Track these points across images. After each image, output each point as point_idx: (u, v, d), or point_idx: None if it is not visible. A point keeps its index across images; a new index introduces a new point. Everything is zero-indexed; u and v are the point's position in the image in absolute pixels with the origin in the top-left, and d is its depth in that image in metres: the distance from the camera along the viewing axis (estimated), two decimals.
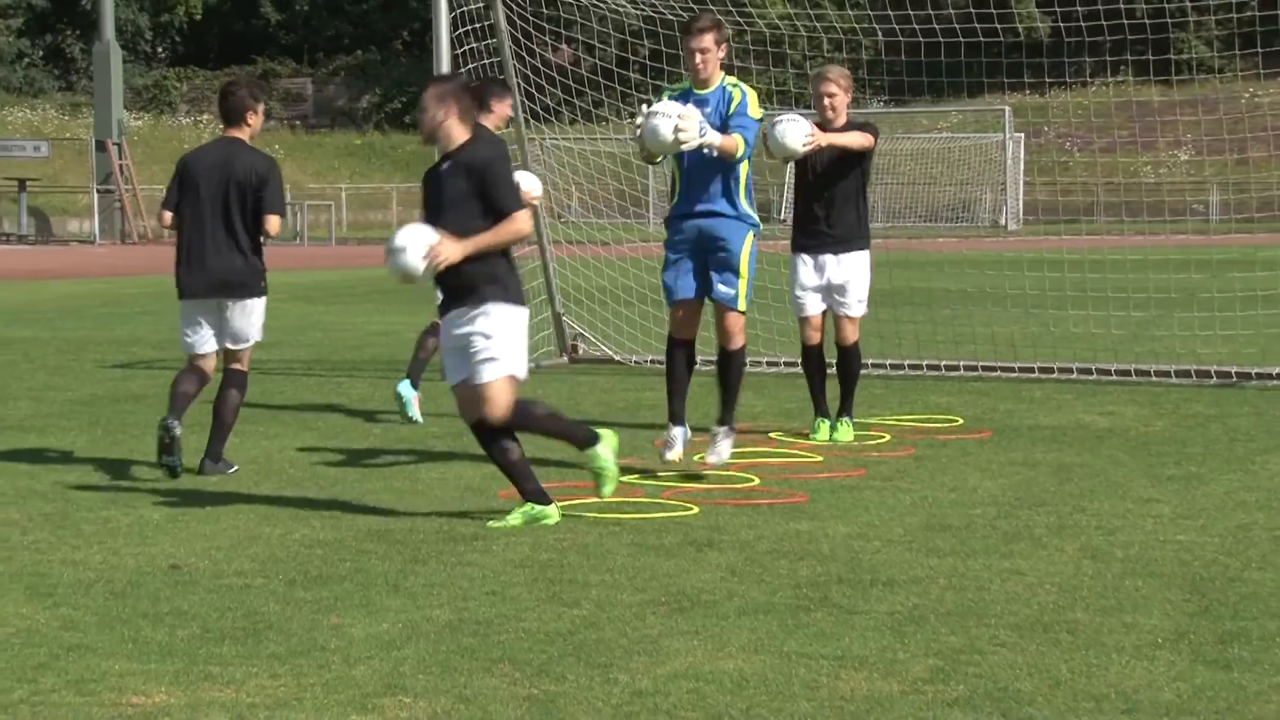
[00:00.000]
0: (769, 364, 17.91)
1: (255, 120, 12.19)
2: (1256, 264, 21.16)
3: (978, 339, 18.76)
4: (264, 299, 12.17)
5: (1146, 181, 55.61)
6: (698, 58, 11.55)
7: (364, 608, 8.04)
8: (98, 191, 59.60)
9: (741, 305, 11.64)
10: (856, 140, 12.85)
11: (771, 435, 13.50)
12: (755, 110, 11.59)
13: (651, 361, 18.04)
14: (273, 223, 12.01)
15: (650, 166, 13.53)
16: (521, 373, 10.22)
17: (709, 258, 11.65)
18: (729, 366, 11.76)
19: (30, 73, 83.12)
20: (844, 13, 32.26)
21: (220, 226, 11.85)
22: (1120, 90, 60.28)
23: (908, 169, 67.56)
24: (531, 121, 18.98)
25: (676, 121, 11.05)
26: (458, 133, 10.04)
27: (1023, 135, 65.25)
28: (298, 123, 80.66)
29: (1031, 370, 17.12)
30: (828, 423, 13.38)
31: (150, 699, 6.61)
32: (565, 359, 18.34)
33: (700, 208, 11.63)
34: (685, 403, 11.86)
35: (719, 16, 12.40)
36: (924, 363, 17.55)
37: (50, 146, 63.35)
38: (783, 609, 7.98)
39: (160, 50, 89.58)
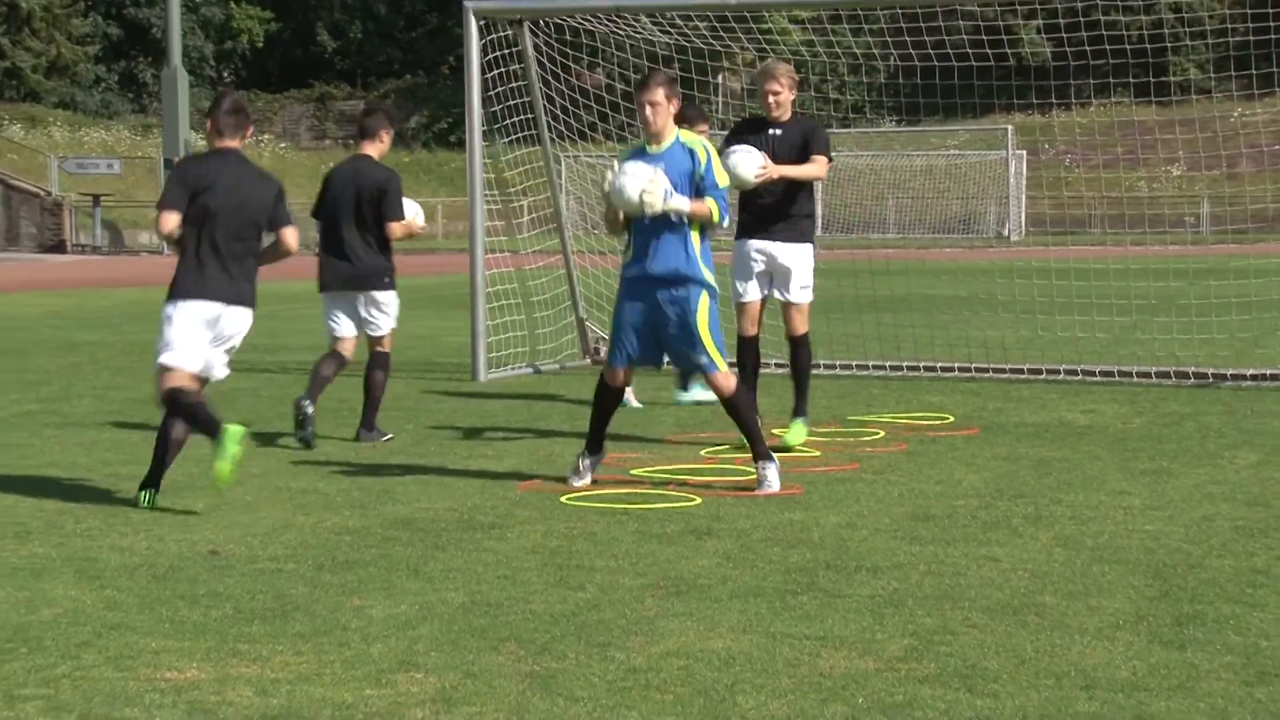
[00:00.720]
0: (777, 365, 17.89)
1: (386, 139, 13.31)
2: (1230, 273, 21.16)
3: (972, 342, 18.79)
4: (393, 291, 13.31)
5: (1141, 195, 55.29)
6: (648, 110, 10.60)
7: (385, 590, 8.07)
8: None
9: (721, 365, 10.69)
10: (809, 172, 12.39)
11: (775, 432, 13.45)
12: (721, 176, 10.72)
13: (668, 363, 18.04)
14: (393, 229, 13.07)
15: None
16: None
17: (663, 329, 10.66)
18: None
19: (106, 96, 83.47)
20: (859, 39, 32.25)
21: (352, 229, 12.93)
22: (1116, 110, 60.19)
23: (918, 184, 67.53)
24: (567, 141, 19.05)
25: (644, 185, 10.33)
26: None
27: (1025, 152, 65.16)
28: (351, 142, 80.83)
29: (1021, 371, 17.08)
30: (800, 422, 12.72)
31: (182, 674, 6.65)
32: (588, 361, 18.35)
33: (654, 269, 10.60)
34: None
35: (672, 74, 12.05)
36: (921, 364, 17.53)
37: (123, 164, 63.56)
38: (772, 593, 8.00)
39: (225, 75, 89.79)
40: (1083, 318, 19.41)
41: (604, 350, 18.73)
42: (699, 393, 14.77)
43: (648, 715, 6.14)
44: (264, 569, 8.55)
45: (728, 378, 10.80)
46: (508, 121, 18.03)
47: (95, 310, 28.96)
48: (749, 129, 12.52)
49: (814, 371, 16.45)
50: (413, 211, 13.38)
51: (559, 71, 18.20)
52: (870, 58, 33.61)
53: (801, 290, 12.47)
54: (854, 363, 17.69)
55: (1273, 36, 19.18)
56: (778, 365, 17.55)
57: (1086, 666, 6.72)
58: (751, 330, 12.56)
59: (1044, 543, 9.12)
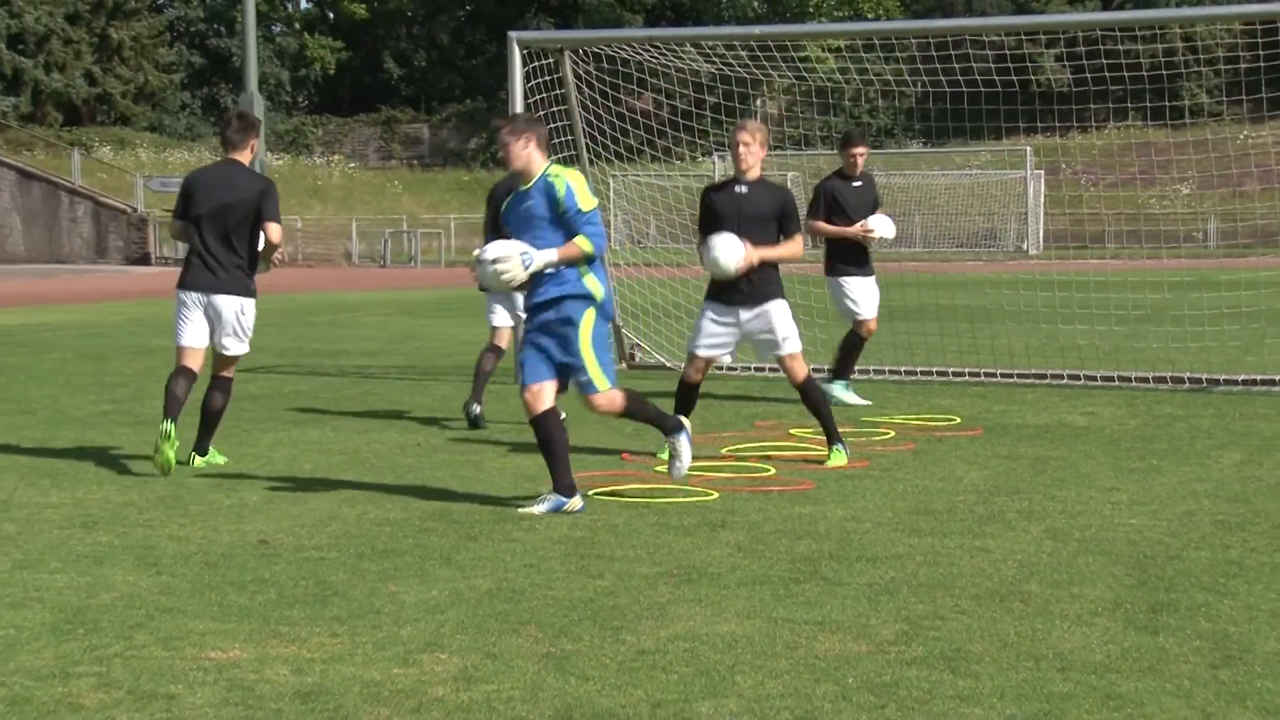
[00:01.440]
0: (743, 368, 17.93)
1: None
2: (1221, 285, 21.10)
3: (981, 349, 18.73)
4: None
5: (1152, 212, 55.10)
6: (509, 151, 9.93)
7: (418, 577, 8.11)
8: None
9: (602, 385, 10.00)
10: (788, 253, 11.79)
11: (792, 432, 13.49)
12: (586, 200, 9.91)
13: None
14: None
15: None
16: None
17: (551, 348, 9.98)
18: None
19: (190, 120, 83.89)
20: (889, 65, 32.25)
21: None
22: (1130, 132, 59.95)
23: (943, 201, 67.36)
24: (615, 161, 19.13)
25: (495, 267, 9.80)
26: None
27: (1043, 172, 65.00)
28: (415, 162, 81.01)
29: (1027, 376, 17.07)
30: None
31: (225, 654, 6.70)
32: (624, 365, 18.39)
33: (541, 295, 9.98)
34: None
35: (534, 116, 11.74)
36: (934, 370, 17.53)
37: None
38: (777, 581, 8.01)
39: (299, 100, 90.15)
40: (1087, 327, 19.40)
41: (639, 355, 18.87)
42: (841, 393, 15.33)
43: (652, 693, 6.16)
44: (308, 557, 8.60)
45: (610, 399, 10.07)
46: (551, 143, 18.06)
47: (171, 318, 29.00)
48: (714, 189, 11.91)
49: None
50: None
51: (597, 97, 18.22)
52: (899, 83, 33.64)
53: (785, 342, 11.70)
54: (871, 368, 17.66)
55: (1279, 64, 19.17)
56: (756, 369, 17.62)
57: (1064, 650, 6.72)
58: (695, 379, 11.91)
59: (1034, 535, 9.11)
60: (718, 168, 61.53)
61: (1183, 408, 14.89)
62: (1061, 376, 16.94)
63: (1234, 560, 8.41)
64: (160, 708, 5.98)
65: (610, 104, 18.60)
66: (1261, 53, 20.24)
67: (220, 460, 11.88)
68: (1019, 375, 17.12)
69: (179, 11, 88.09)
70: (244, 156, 11.81)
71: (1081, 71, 23.11)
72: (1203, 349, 18.46)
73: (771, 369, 17.71)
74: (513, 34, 17.12)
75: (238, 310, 11.76)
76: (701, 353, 11.86)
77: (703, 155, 61.17)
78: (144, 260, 58.76)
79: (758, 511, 9.87)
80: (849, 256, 15.38)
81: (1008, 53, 22.69)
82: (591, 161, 17.95)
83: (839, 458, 11.75)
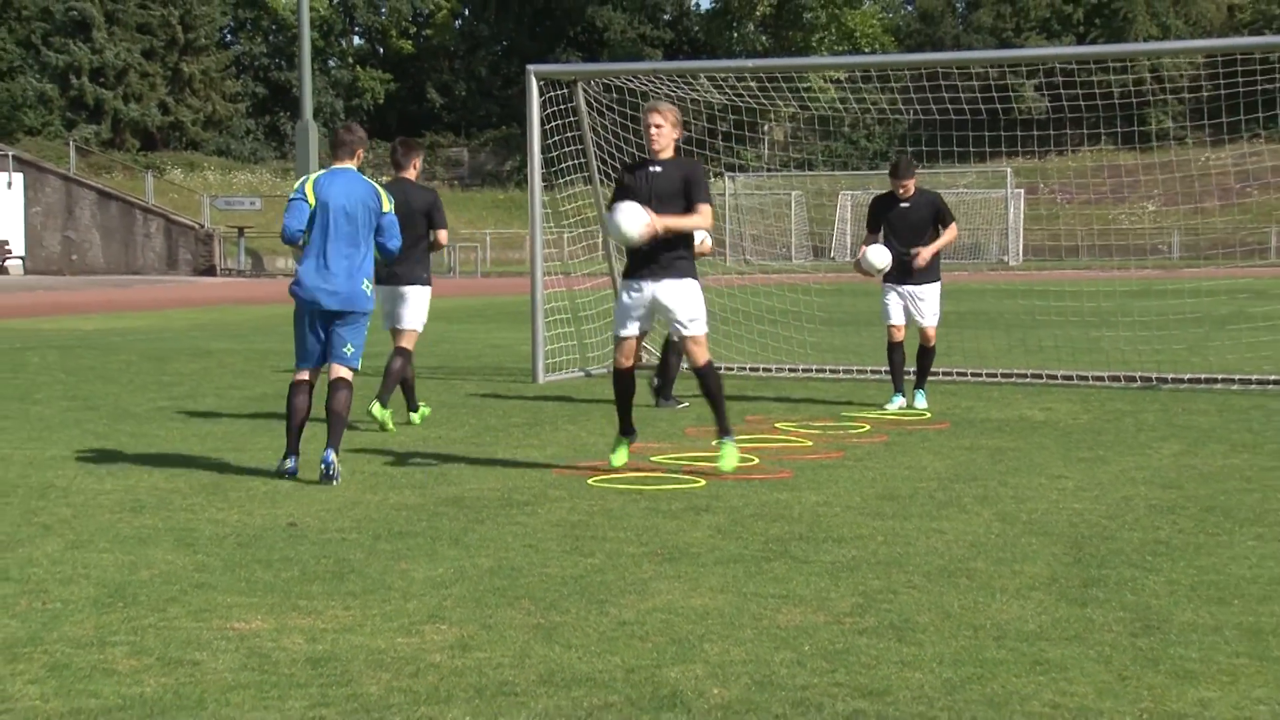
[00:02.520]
0: (777, 369, 17.94)
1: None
2: (1167, 293, 21.09)
3: (954, 351, 18.71)
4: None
5: (1121, 227, 55.09)
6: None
7: (428, 556, 8.14)
8: None
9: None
10: (693, 223, 10.76)
11: (777, 425, 13.50)
12: (386, 204, 10.98)
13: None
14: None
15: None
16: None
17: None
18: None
19: (254, 145, 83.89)
20: (884, 95, 32.20)
21: None
22: (1101, 155, 59.84)
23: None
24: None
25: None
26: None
27: (1023, 191, 64.89)
28: (455, 182, 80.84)
29: (995, 375, 17.05)
30: (625, 443, 11.16)
31: (248, 624, 6.74)
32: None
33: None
34: None
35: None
36: (910, 370, 17.46)
37: (263, 201, 63.97)
38: (750, 559, 8.04)
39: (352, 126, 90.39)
40: (1052, 331, 19.37)
41: (645, 357, 18.86)
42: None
43: (628, 660, 6.19)
44: (331, 538, 8.63)
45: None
46: (565, 165, 18.12)
47: (230, 324, 29.17)
48: (629, 169, 11.23)
49: (819, 376, 16.51)
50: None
51: (624, 121, 18.23)
52: (893, 111, 33.57)
53: (691, 323, 10.75)
54: (855, 368, 17.68)
55: (1240, 91, 19.18)
56: (751, 369, 17.58)
57: (1001, 620, 6.74)
58: (625, 363, 10.96)
59: (986, 518, 9.12)
60: (728, 188, 61.57)
61: (1132, 404, 14.87)
62: (1025, 375, 16.94)
63: (1162, 540, 8.42)
64: (185, 673, 6.03)
65: (631, 130, 18.65)
66: (1222, 82, 20.23)
67: (425, 411, 13.83)
68: (987, 375, 17.11)
69: (244, 47, 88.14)
70: (409, 174, 13.45)
71: (1058, 100, 23.13)
72: (1154, 351, 18.47)
73: (765, 369, 17.75)
74: (530, 67, 17.18)
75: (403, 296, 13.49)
76: (623, 333, 10.88)
77: (714, 176, 61.30)
78: (210, 271, 58.86)
79: (739, 497, 9.89)
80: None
81: (991, 83, 22.73)
82: (602, 181, 17.96)
83: (729, 456, 10.76)
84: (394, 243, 11.12)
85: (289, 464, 10.67)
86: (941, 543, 8.41)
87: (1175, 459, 11.40)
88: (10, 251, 57.96)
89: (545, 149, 17.46)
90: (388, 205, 11.03)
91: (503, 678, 5.95)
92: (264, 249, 62.23)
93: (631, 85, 18.35)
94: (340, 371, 10.89)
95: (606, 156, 18.24)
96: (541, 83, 17.18)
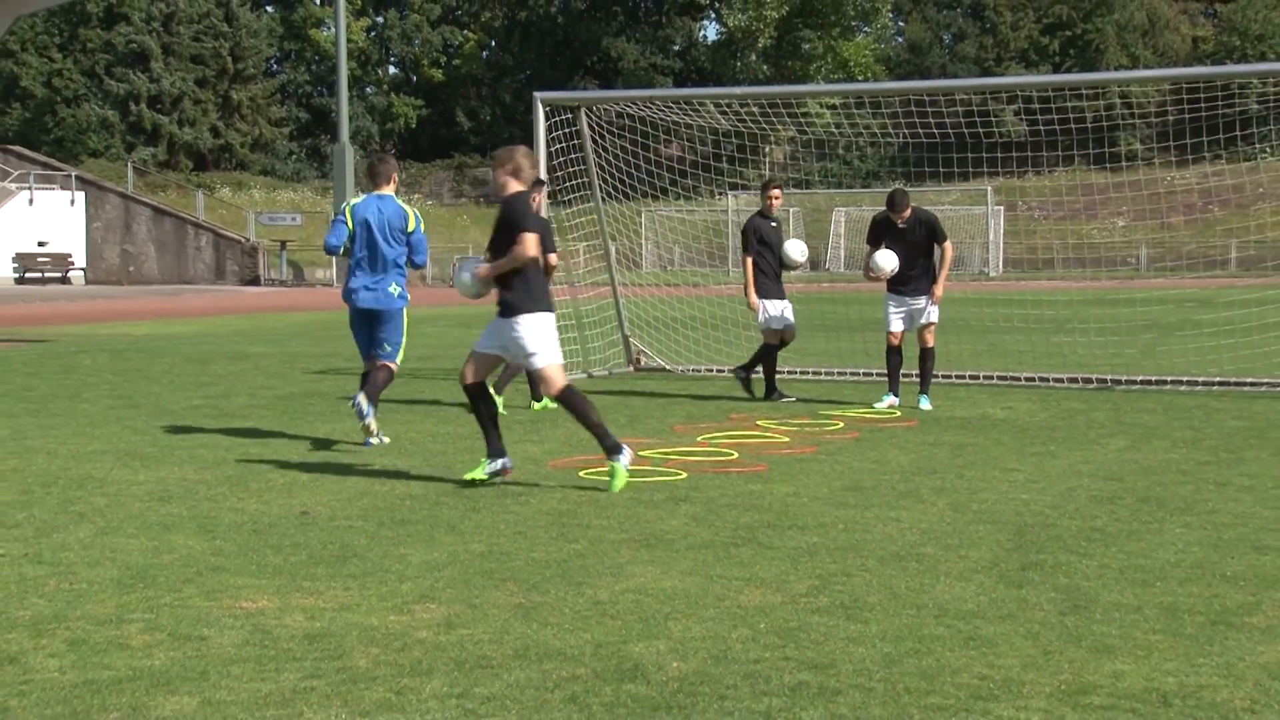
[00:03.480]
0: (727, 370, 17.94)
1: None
2: (1120, 302, 21.09)
3: None
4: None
5: (1093, 241, 54.97)
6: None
7: (426, 542, 8.17)
8: None
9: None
10: (505, 264, 9.91)
11: (759, 423, 13.51)
12: (413, 223, 12.06)
13: (691, 370, 18.10)
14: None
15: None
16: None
17: None
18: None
19: (297, 165, 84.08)
20: (875, 120, 32.20)
21: None
22: (1075, 175, 59.79)
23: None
24: (645, 199, 19.34)
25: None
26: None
27: (1003, 208, 64.85)
28: (481, 199, 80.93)
29: (964, 377, 17.05)
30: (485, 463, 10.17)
31: (255, 604, 6.78)
32: (631, 368, 18.44)
33: None
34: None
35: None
36: (914, 374, 17.40)
37: (303, 217, 64.13)
38: (719, 545, 8.05)
39: (387, 149, 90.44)
40: (1021, 336, 19.36)
41: (644, 360, 18.92)
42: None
43: (598, 635, 6.23)
44: (339, 525, 8.66)
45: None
46: (570, 183, 18.16)
47: (269, 329, 29.21)
48: None
49: (803, 376, 16.51)
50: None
51: (635, 148, 18.30)
52: (884, 134, 33.61)
53: (530, 359, 10.05)
54: (835, 370, 17.68)
55: (1203, 116, 19.21)
56: (728, 370, 17.58)
57: (943, 600, 6.77)
58: (468, 379, 10.13)
59: (940, 507, 9.13)
60: (731, 204, 61.59)
61: (1086, 403, 14.86)
62: (992, 377, 16.93)
63: (1099, 528, 8.43)
64: (192, 648, 6.07)
65: (643, 151, 18.72)
66: (1185, 108, 20.24)
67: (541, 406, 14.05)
68: (956, 376, 17.10)
69: (289, 76, 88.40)
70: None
71: (1036, 124, 23.14)
72: (1111, 355, 18.45)
73: (757, 372, 17.74)
74: (538, 94, 17.24)
75: None
76: (477, 349, 10.18)
77: (719, 194, 61.29)
78: (254, 281, 58.98)
79: (716, 489, 9.90)
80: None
81: (974, 109, 22.75)
82: (604, 199, 18.00)
83: (618, 476, 9.81)
84: (420, 257, 12.14)
85: (358, 398, 11.78)
86: (897, 530, 8.43)
87: (1120, 454, 11.40)
88: (73, 263, 58.13)
89: (552, 169, 17.49)
90: (413, 224, 12.04)
91: (482, 652, 5.99)
92: (304, 261, 62.34)
93: (633, 110, 18.39)
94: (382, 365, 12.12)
95: (609, 175, 18.28)
96: (547, 108, 17.22)
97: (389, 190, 12.03)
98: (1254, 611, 6.52)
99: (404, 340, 12.17)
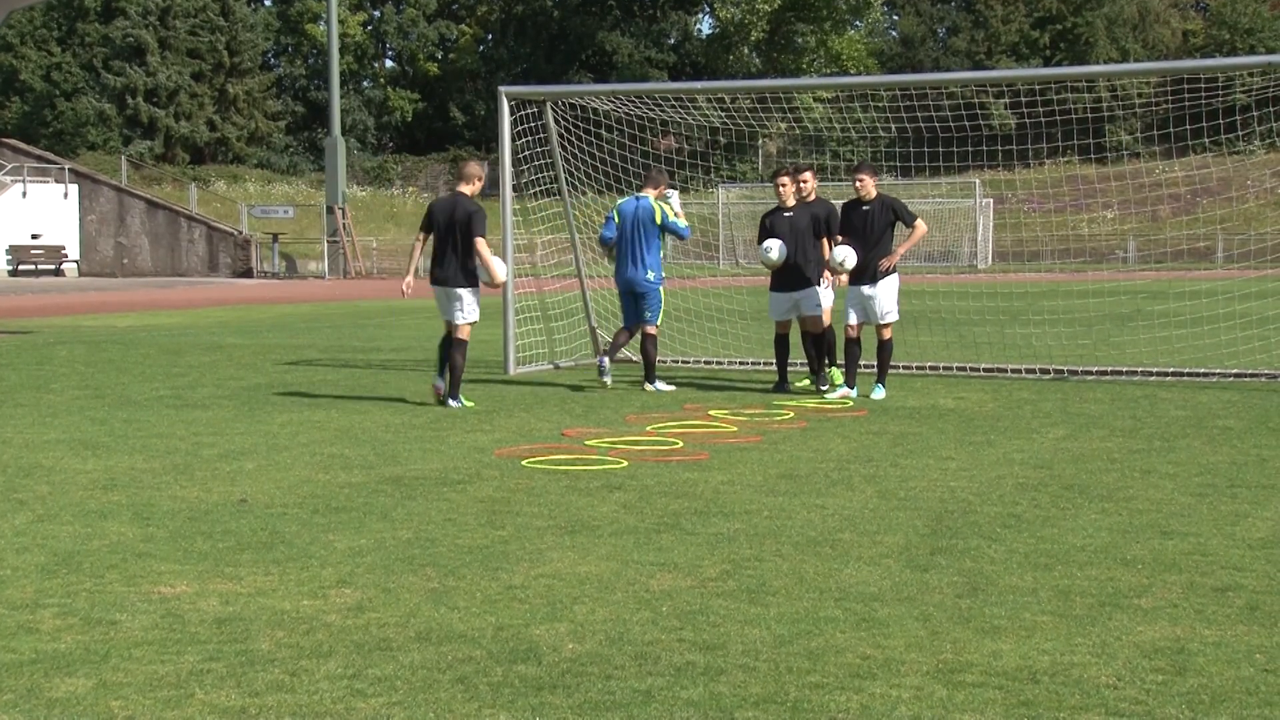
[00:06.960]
0: (729, 362, 18.02)
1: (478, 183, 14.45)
2: (1073, 294, 21.13)
3: (897, 344, 18.71)
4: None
5: (1081, 234, 54.97)
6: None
7: (355, 529, 8.23)
8: (327, 242, 60.27)
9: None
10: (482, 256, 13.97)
11: (710, 412, 13.57)
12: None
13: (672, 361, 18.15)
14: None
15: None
16: None
17: None
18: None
19: (292, 159, 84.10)
20: (866, 114, 32.28)
21: None
22: (1065, 168, 59.64)
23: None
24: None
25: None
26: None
27: (992, 201, 64.76)
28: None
29: (924, 368, 17.10)
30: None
31: (174, 589, 6.86)
32: (598, 359, 18.45)
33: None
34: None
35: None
36: (871, 365, 17.43)
37: (296, 210, 64.19)
38: (643, 531, 8.12)
39: (384, 141, 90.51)
40: (990, 328, 19.41)
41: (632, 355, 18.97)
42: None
43: (501, 619, 6.31)
44: (275, 513, 8.72)
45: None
46: (535, 177, 18.22)
47: (250, 321, 29.20)
48: None
49: (766, 369, 16.48)
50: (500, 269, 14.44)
51: (626, 140, 18.32)
52: (876, 128, 33.68)
53: (460, 315, 14.13)
54: (798, 361, 17.71)
55: (1187, 110, 19.27)
56: (729, 363, 17.62)
57: (847, 584, 6.85)
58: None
59: (868, 495, 9.20)
60: (722, 198, 61.61)
61: (1037, 394, 14.91)
62: (950, 368, 16.98)
63: (1016, 514, 8.51)
64: (100, 632, 6.15)
65: (637, 144, 18.78)
66: (1171, 100, 20.33)
67: (469, 404, 14.10)
68: (916, 367, 17.15)
69: (285, 70, 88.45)
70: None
71: (1025, 117, 23.18)
72: (1081, 346, 18.50)
73: (742, 362, 17.82)
74: (502, 88, 17.30)
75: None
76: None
77: (711, 186, 61.27)
78: (247, 274, 58.95)
79: (653, 477, 9.94)
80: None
81: (963, 102, 22.82)
82: (569, 191, 18.05)
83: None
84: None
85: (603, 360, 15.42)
86: (819, 516, 8.50)
87: (1056, 443, 11.46)
88: (66, 256, 58.17)
89: (517, 162, 17.56)
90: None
91: (384, 635, 6.07)
92: (296, 254, 62.40)
93: (653, 110, 18.39)
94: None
95: (625, 169, 18.33)
96: (512, 103, 17.27)
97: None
98: (1144, 594, 6.61)
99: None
